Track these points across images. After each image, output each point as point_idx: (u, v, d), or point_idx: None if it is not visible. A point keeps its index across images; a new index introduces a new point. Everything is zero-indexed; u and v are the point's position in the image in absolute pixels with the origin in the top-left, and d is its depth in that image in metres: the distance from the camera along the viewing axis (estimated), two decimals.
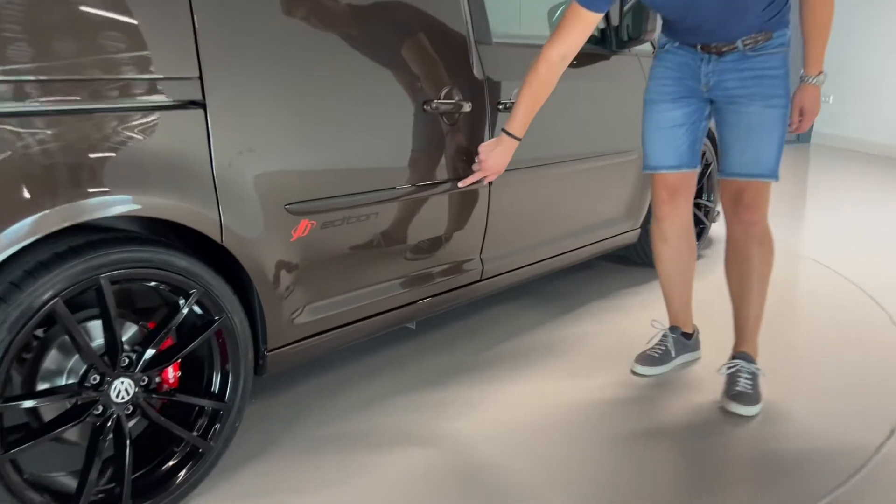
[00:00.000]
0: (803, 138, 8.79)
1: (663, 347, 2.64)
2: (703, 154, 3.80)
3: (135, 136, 1.64)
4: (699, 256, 3.99)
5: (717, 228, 4.47)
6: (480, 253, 2.65)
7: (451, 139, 2.40)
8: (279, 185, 1.94)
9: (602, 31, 3.14)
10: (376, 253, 2.26)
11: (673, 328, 2.69)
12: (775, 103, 2.21)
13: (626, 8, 3.07)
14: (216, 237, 1.81)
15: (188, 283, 1.77)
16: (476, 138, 2.48)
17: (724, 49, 2.24)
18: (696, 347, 2.73)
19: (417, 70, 2.28)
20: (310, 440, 2.17)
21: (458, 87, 2.38)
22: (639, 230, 3.53)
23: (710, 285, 3.53)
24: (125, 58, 1.63)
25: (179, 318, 1.78)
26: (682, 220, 2.53)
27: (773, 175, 2.25)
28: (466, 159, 2.46)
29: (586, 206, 3.14)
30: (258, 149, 1.88)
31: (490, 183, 2.55)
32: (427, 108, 2.29)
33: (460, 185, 2.40)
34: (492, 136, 2.53)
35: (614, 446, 2.14)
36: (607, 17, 3.12)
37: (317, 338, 2.15)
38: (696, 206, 3.85)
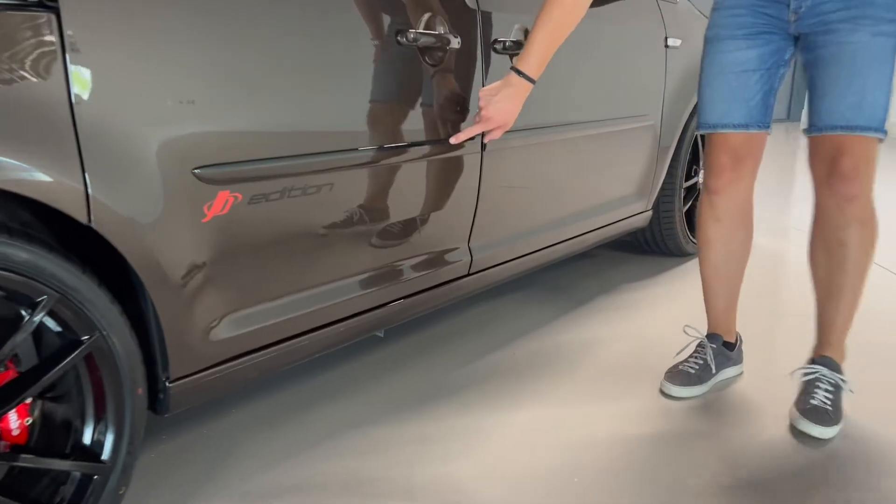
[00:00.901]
0: (794, 116, 8.34)
1: (701, 361, 2.07)
2: None
3: None
4: None
5: None
6: (469, 240, 2.04)
7: (434, 85, 1.78)
8: (184, 140, 1.30)
9: None
10: (330, 239, 1.64)
11: (712, 336, 2.12)
12: (886, 30, 1.64)
13: None
14: (81, 216, 1.17)
15: (32, 285, 1.13)
16: (466, 84, 1.87)
17: None
18: (739, 360, 2.17)
19: None
20: (237, 499, 1.55)
21: (442, 16, 1.77)
22: (650, 212, 2.95)
23: None
24: None
25: (20, 337, 1.15)
26: (743, 196, 1.96)
27: (880, 128, 1.68)
28: (453, 112, 1.84)
29: (593, 182, 2.55)
30: (147, 78, 1.24)
31: (484, 146, 1.94)
32: (402, 39, 1.67)
33: (452, 141, 1.81)
34: (486, 82, 1.92)
35: (652, 496, 1.57)
36: None
37: (243, 359, 1.52)
38: None
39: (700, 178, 3.18)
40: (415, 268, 1.89)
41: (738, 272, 2.06)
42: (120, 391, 1.28)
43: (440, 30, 1.75)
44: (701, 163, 3.15)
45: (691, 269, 3.10)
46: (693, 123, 2.98)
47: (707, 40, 1.92)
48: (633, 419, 1.91)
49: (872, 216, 1.79)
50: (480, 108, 1.78)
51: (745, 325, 2.27)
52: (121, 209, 1.22)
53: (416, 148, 1.77)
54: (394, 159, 1.72)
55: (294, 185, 1.51)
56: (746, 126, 1.85)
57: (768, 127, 1.89)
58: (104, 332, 1.23)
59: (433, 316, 2.49)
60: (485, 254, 2.11)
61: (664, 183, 2.95)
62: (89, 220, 1.18)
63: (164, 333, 1.35)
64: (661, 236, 3.09)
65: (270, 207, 1.47)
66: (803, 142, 6.89)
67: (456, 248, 2.02)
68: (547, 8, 1.75)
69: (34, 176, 1.10)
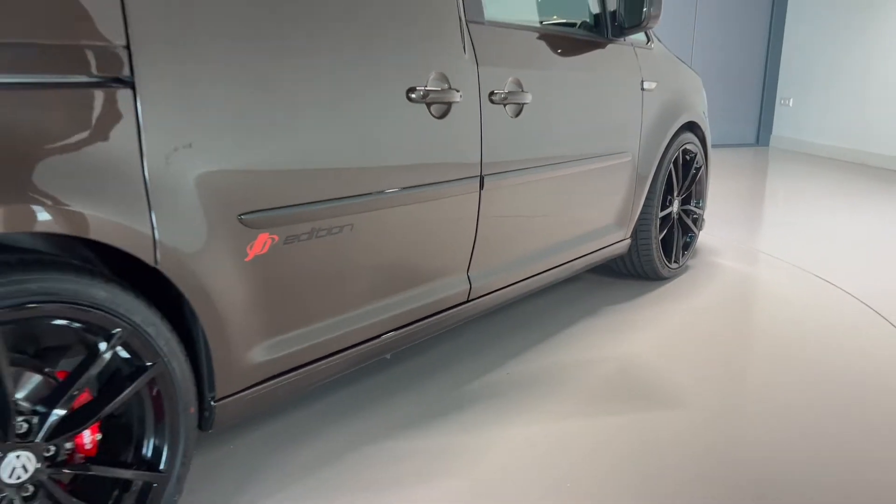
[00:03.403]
0: (762, 141, 8.67)
1: None
2: (694, 156, 3.49)
3: (35, 122, 1.20)
4: (686, 268, 3.70)
5: (704, 238, 4.21)
6: (468, 269, 2.26)
7: (439, 134, 2.00)
8: (231, 190, 1.51)
9: (596, 17, 2.79)
10: (351, 273, 1.85)
11: None
12: None
13: None
14: (148, 258, 1.37)
15: (110, 319, 1.32)
16: (467, 134, 2.09)
17: None
18: None
19: (404, 51, 1.88)
20: (280, 499, 1.74)
21: (447, 72, 1.99)
22: (629, 240, 3.19)
23: (696, 305, 3.22)
24: (23, 16, 1.18)
25: (99, 365, 1.34)
26: None
27: None
28: (456, 159, 2.06)
29: (580, 213, 2.78)
30: (204, 142, 1.45)
31: (482, 185, 2.16)
32: (413, 95, 1.89)
33: None
34: (485, 131, 2.14)
35: (636, 498, 1.78)
36: (603, 1, 2.77)
37: (277, 380, 1.72)
38: (685, 212, 3.54)
39: (674, 208, 3.42)
40: (420, 296, 2.10)
41: None
42: (175, 409, 1.47)
43: (444, 86, 1.97)
44: (675, 193, 3.40)
45: (668, 292, 3.33)
46: (668, 158, 3.23)
47: None
48: (618, 432, 2.12)
49: None
50: None
51: (721, 347, 2.49)
52: (182, 252, 1.42)
53: (425, 189, 1.98)
54: (406, 200, 1.93)
55: (322, 226, 1.71)
56: None
57: None
58: (165, 359, 1.42)
59: (434, 339, 2.69)
60: (483, 282, 2.32)
61: (642, 213, 3.19)
62: (156, 262, 1.38)
63: (213, 358, 1.55)
64: (640, 262, 3.33)
65: (302, 246, 1.68)
66: (773, 167, 7.13)
67: (456, 277, 2.23)
68: None
69: (114, 227, 1.30)
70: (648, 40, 3.13)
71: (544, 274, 2.65)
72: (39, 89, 1.20)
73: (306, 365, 1.79)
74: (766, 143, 8.63)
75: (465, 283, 2.26)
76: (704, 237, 4.22)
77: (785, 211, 5.36)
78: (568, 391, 2.36)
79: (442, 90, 1.96)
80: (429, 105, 1.95)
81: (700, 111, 3.49)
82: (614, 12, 2.77)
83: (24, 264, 1.23)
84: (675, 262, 3.49)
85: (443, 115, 1.99)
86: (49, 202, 1.21)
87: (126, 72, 1.31)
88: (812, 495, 1.84)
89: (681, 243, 3.54)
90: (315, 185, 1.69)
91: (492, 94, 2.15)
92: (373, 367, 2.46)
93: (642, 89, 2.98)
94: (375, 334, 1.98)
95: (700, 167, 3.56)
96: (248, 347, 1.62)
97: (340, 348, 1.87)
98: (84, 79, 1.26)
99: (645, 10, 2.68)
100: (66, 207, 1.23)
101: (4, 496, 1.26)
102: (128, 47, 1.31)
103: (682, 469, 1.94)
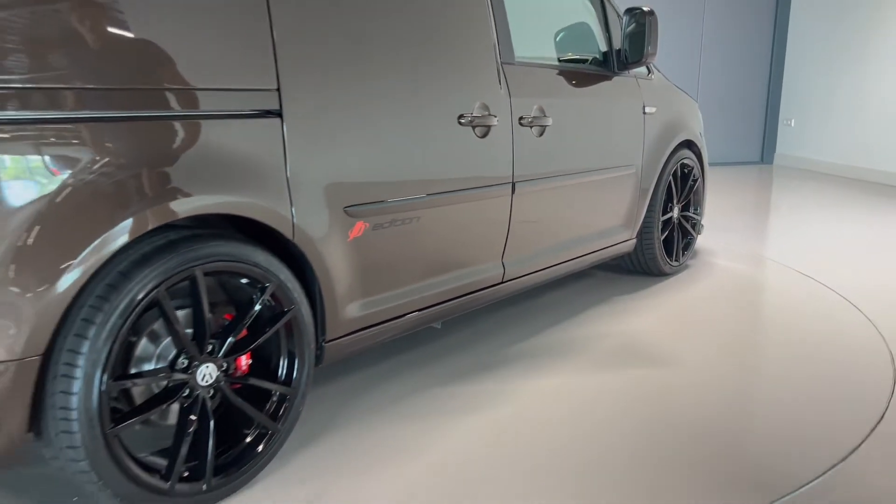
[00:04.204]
0: (767, 159, 9.21)
1: None
2: (692, 169, 4.07)
3: (219, 141, 1.82)
4: (685, 266, 4.26)
5: (704, 242, 4.77)
6: (503, 257, 2.85)
7: (481, 150, 2.60)
8: (341, 189, 2.12)
9: (604, 54, 3.40)
10: (417, 254, 2.45)
11: None
12: None
13: (625, 32, 3.33)
14: (289, 235, 1.99)
15: (266, 276, 1.93)
16: (502, 150, 2.70)
17: None
18: None
19: (456, 87, 2.49)
20: (361, 424, 2.33)
21: (488, 102, 2.60)
22: (635, 240, 3.77)
23: (693, 295, 3.79)
24: (211, 69, 1.81)
25: (257, 307, 1.94)
26: None
27: None
28: (493, 169, 2.67)
29: (592, 215, 3.37)
30: (326, 156, 2.07)
31: (512, 192, 2.76)
32: (462, 120, 2.50)
33: None
34: (515, 148, 2.74)
35: (622, 436, 2.35)
36: (609, 41, 3.38)
37: (365, 331, 2.32)
38: (684, 217, 4.12)
39: (674, 214, 4.00)
40: (465, 275, 2.69)
41: None
42: (302, 343, 2.07)
43: (485, 113, 2.58)
44: (675, 201, 3.98)
45: (669, 285, 3.90)
46: (668, 171, 3.82)
47: None
48: (616, 386, 2.70)
49: None
50: None
51: (703, 334, 3.06)
52: (309, 232, 2.03)
53: (471, 191, 2.58)
54: (456, 199, 2.54)
55: (398, 217, 2.32)
56: None
57: None
58: (298, 306, 2.02)
59: (475, 315, 3.28)
60: (514, 268, 2.91)
61: (645, 217, 3.77)
62: (293, 237, 1.99)
63: (325, 310, 2.15)
64: (644, 259, 3.90)
65: (384, 232, 2.28)
66: (775, 183, 7.66)
67: (493, 263, 2.82)
68: None
69: (268, 212, 1.91)
70: (649, 72, 3.73)
71: (563, 264, 3.24)
72: (225, 118, 1.82)
73: (384, 322, 2.38)
74: (771, 161, 9.18)
75: (500, 268, 2.85)
76: (705, 242, 4.78)
77: (781, 221, 5.92)
78: (582, 356, 2.94)
79: (483, 116, 2.56)
80: (474, 128, 2.55)
81: (696, 131, 4.08)
82: (619, 50, 3.38)
83: (214, 235, 1.84)
84: (675, 260, 4.06)
85: (484, 136, 2.60)
86: (232, 194, 1.82)
87: (276, 106, 1.93)
88: (773, 433, 2.41)
89: (681, 244, 4.11)
90: (394, 187, 2.30)
91: (521, 118, 2.76)
92: (431, 336, 3.04)
93: (644, 113, 3.58)
94: (433, 303, 2.57)
95: (697, 179, 4.14)
96: (347, 303, 2.22)
97: (408, 311, 2.47)
98: (251, 111, 1.88)
99: (645, 48, 3.29)
100: (242, 198, 1.85)
101: (199, 394, 1.85)
102: (278, 90, 1.93)
103: (671, 411, 2.52)
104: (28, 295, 1.51)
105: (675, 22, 7.83)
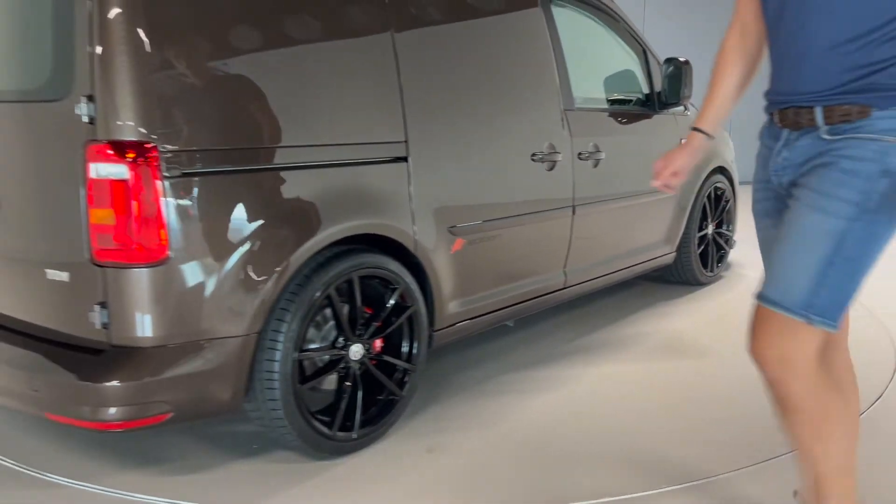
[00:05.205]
0: None
1: None
2: (724, 191, 4.66)
3: (368, 181, 2.49)
4: (719, 277, 4.83)
5: (736, 256, 5.33)
6: (564, 266, 3.48)
7: (549, 181, 3.24)
8: (446, 214, 2.78)
9: (647, 96, 4.02)
10: (498, 264, 3.09)
11: None
12: (830, 208, 1.59)
13: (665, 77, 3.95)
14: (412, 248, 2.65)
15: (397, 279, 2.59)
16: (565, 180, 3.33)
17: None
18: None
19: (529, 131, 3.15)
20: (457, 397, 2.97)
21: (554, 142, 3.24)
22: (675, 253, 4.36)
23: (726, 300, 4.37)
24: (366, 129, 2.49)
25: (390, 304, 2.60)
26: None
27: (802, 310, 1.60)
28: (558, 195, 3.31)
29: (638, 232, 3.99)
30: (436, 188, 2.73)
31: (574, 211, 3.39)
32: (534, 157, 3.14)
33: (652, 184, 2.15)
34: (575, 178, 3.38)
35: (666, 408, 2.95)
36: (651, 85, 4.01)
37: (462, 324, 2.97)
38: (718, 234, 4.69)
39: (709, 230, 4.58)
40: (534, 282, 3.32)
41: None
42: (420, 331, 2.71)
43: (552, 150, 3.22)
44: (709, 219, 4.56)
45: (704, 293, 4.49)
46: (703, 193, 4.41)
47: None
48: (664, 375, 3.30)
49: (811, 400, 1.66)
50: (658, 168, 2.08)
51: (743, 327, 3.64)
52: (425, 246, 2.69)
53: (538, 215, 3.22)
54: (527, 221, 3.18)
55: (486, 235, 2.97)
56: None
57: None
58: (418, 304, 2.67)
59: (541, 315, 3.90)
60: (573, 276, 3.53)
61: (683, 233, 4.36)
62: (415, 250, 2.65)
63: (434, 306, 2.79)
64: (683, 270, 4.49)
65: (476, 247, 2.93)
66: None
67: (557, 271, 3.45)
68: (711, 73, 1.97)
69: (399, 231, 2.58)
70: (685, 109, 4.34)
71: (614, 274, 3.85)
72: (374, 164, 2.50)
73: (474, 318, 3.02)
74: None
75: (562, 276, 3.48)
76: (736, 255, 5.34)
77: None
78: (632, 349, 3.55)
79: (551, 154, 3.20)
80: (543, 163, 3.19)
81: (728, 159, 4.67)
82: (659, 92, 4.00)
83: (364, 249, 2.51)
84: (710, 270, 4.64)
85: (551, 169, 3.24)
86: (376, 218, 2.49)
87: (405, 154, 2.60)
88: None
89: (715, 257, 4.69)
90: (483, 211, 2.95)
91: (580, 153, 3.39)
92: (505, 332, 3.67)
93: (680, 144, 4.18)
94: (509, 304, 3.20)
95: (728, 200, 4.72)
96: (450, 302, 2.87)
97: (491, 310, 3.10)
98: (389, 158, 2.56)
99: (682, 91, 3.91)
100: (382, 221, 2.51)
101: (350, 366, 2.51)
102: (406, 141, 2.60)
103: (706, 392, 3.12)
104: (255, 289, 2.18)
105: (704, 56, 8.40)
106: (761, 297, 1.68)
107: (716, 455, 2.55)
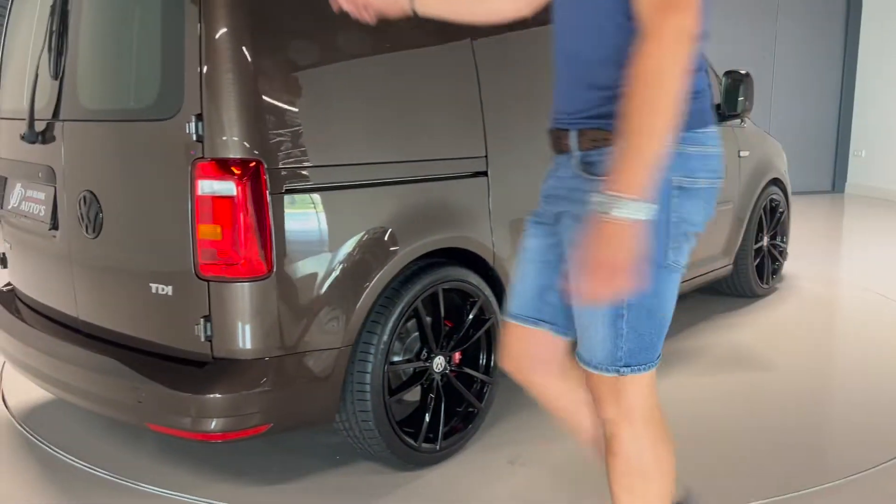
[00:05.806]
0: (838, 188, 9.62)
1: None
2: (779, 203, 4.64)
3: (452, 196, 2.53)
4: (774, 289, 4.80)
5: (790, 268, 5.30)
6: None
7: None
8: (518, 225, 2.79)
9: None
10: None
11: None
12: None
13: (724, 89, 3.95)
14: (490, 261, 2.67)
15: (477, 292, 2.62)
16: None
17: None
18: None
19: None
20: (527, 410, 2.98)
21: None
22: (731, 265, 4.35)
23: (782, 312, 4.35)
24: (453, 145, 2.53)
25: (471, 317, 2.63)
26: None
27: (603, 366, 1.49)
28: None
29: (700, 244, 3.96)
30: (510, 201, 2.75)
31: None
32: None
33: None
34: None
35: (727, 419, 2.94)
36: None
37: None
38: (773, 245, 4.67)
39: (765, 242, 4.57)
40: None
41: None
42: (496, 343, 2.74)
43: None
44: (764, 231, 4.55)
45: (761, 304, 4.47)
46: (759, 205, 4.40)
47: None
48: (726, 389, 3.29)
49: (633, 453, 1.55)
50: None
51: (801, 339, 3.63)
52: (501, 259, 2.71)
53: None
54: None
55: None
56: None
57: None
58: (495, 316, 2.70)
59: None
60: None
61: (740, 246, 4.35)
62: (493, 262, 2.68)
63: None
64: (740, 282, 4.48)
65: None
66: (850, 211, 8.11)
67: None
68: None
69: (478, 245, 2.60)
70: (742, 121, 4.34)
71: (683, 283, 3.84)
72: (459, 178, 2.53)
73: None
74: (842, 190, 9.57)
75: None
76: (789, 267, 5.32)
77: (856, 246, 6.39)
78: (693, 362, 3.55)
79: None
80: None
81: (782, 170, 4.66)
82: (718, 105, 4.01)
83: (447, 263, 2.54)
84: (766, 283, 4.62)
85: None
86: (459, 232, 2.52)
87: (485, 168, 2.63)
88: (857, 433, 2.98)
89: (770, 269, 4.67)
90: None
91: None
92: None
93: (739, 156, 4.19)
94: None
95: (783, 212, 4.71)
96: None
97: None
98: (472, 173, 2.59)
99: (742, 104, 3.90)
100: (464, 234, 2.54)
101: (434, 378, 2.53)
102: (486, 157, 2.64)
103: (766, 404, 3.11)
104: (351, 302, 2.22)
105: (747, 59, 8.39)
106: (579, 355, 1.62)
107: (799, 470, 2.55)
